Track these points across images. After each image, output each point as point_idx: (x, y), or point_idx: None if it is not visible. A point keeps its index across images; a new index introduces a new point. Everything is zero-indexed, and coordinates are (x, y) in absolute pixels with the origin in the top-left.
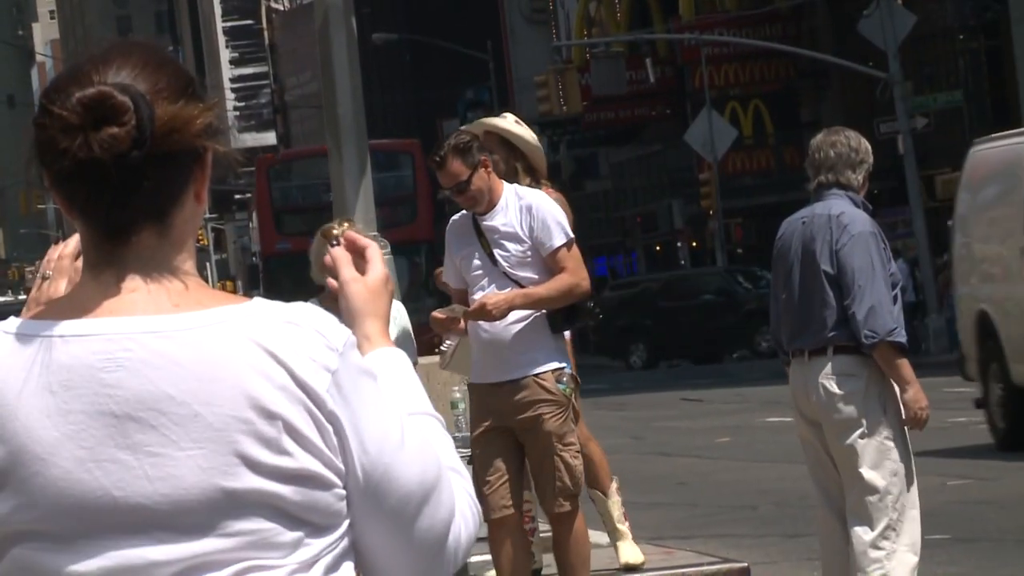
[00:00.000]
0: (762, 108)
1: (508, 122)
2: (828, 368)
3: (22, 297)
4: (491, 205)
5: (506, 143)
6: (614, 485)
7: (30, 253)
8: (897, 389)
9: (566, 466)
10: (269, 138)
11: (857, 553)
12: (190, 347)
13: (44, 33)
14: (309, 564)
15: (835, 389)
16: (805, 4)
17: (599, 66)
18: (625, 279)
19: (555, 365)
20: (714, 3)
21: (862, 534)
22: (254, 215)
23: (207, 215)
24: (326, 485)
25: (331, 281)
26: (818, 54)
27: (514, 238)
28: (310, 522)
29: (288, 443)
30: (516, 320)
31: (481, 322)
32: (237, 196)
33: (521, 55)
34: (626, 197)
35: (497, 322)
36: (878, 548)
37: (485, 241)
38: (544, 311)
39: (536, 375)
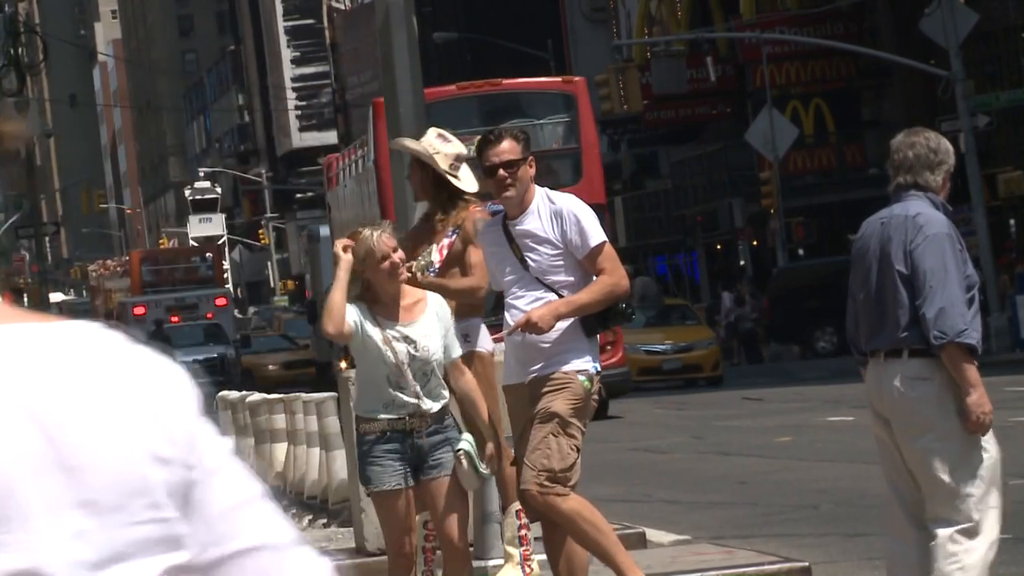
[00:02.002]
0: (823, 107)
1: (425, 140)
2: (902, 371)
3: (86, 297)
4: (522, 209)
5: (419, 160)
6: (514, 507)
7: (92, 252)
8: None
9: (559, 449)
10: (330, 137)
11: (937, 547)
12: None
13: (106, 33)
14: None
15: (908, 392)
16: (866, 2)
17: (660, 65)
18: (814, 260)
19: (582, 365)
20: (775, 1)
21: (942, 533)
22: (356, 180)
23: (268, 214)
24: None
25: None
26: (879, 52)
27: (545, 242)
28: None
29: None
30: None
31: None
32: (298, 195)
33: (582, 54)
34: (686, 196)
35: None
36: (956, 543)
37: (516, 246)
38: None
39: (563, 371)
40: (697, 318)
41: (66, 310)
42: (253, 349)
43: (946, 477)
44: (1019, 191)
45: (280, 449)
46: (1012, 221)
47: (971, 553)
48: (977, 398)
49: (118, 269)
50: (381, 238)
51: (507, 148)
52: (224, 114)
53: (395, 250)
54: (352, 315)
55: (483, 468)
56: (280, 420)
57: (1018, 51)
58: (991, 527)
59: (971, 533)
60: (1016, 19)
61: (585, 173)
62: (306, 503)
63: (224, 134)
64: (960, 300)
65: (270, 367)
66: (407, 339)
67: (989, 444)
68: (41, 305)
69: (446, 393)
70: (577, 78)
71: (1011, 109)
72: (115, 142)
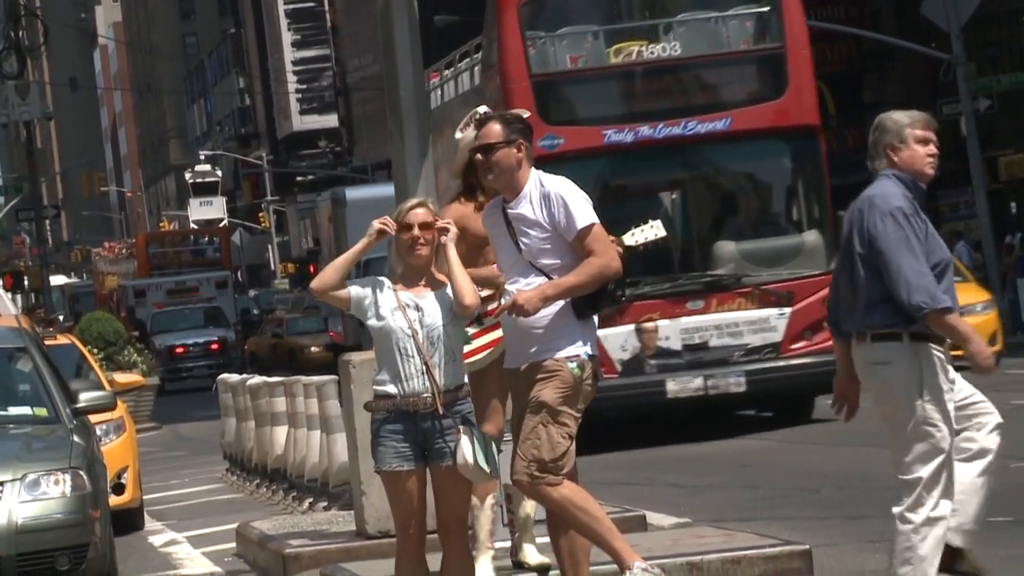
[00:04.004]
0: (824, 90)
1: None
2: (866, 355)
3: (88, 280)
4: (515, 192)
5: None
6: (490, 500)
7: (92, 235)
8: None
9: (549, 439)
10: (331, 120)
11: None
12: None
13: (106, 16)
14: None
15: (872, 377)
16: None
17: None
18: None
19: (572, 351)
20: None
21: (895, 511)
22: (461, 102)
23: (269, 198)
24: None
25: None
26: (881, 35)
27: (535, 226)
28: None
29: None
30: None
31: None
32: (299, 178)
33: None
34: None
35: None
36: (903, 522)
37: (512, 230)
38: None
39: (554, 359)
40: (964, 273)
41: (68, 293)
42: (302, 330)
43: (904, 455)
44: (1020, 174)
45: (280, 432)
46: (1013, 204)
47: (918, 532)
48: (976, 347)
49: (123, 251)
50: (413, 211)
51: (487, 132)
52: (225, 97)
53: (422, 226)
54: (360, 286)
55: (484, 464)
56: (280, 403)
57: (1020, 34)
58: (938, 505)
59: (917, 512)
60: (1018, 2)
61: (792, 83)
62: (307, 486)
63: (225, 117)
64: (919, 268)
65: (312, 349)
66: (417, 307)
67: (942, 424)
68: (42, 288)
69: (460, 376)
70: None
71: (1012, 92)
72: (115, 125)
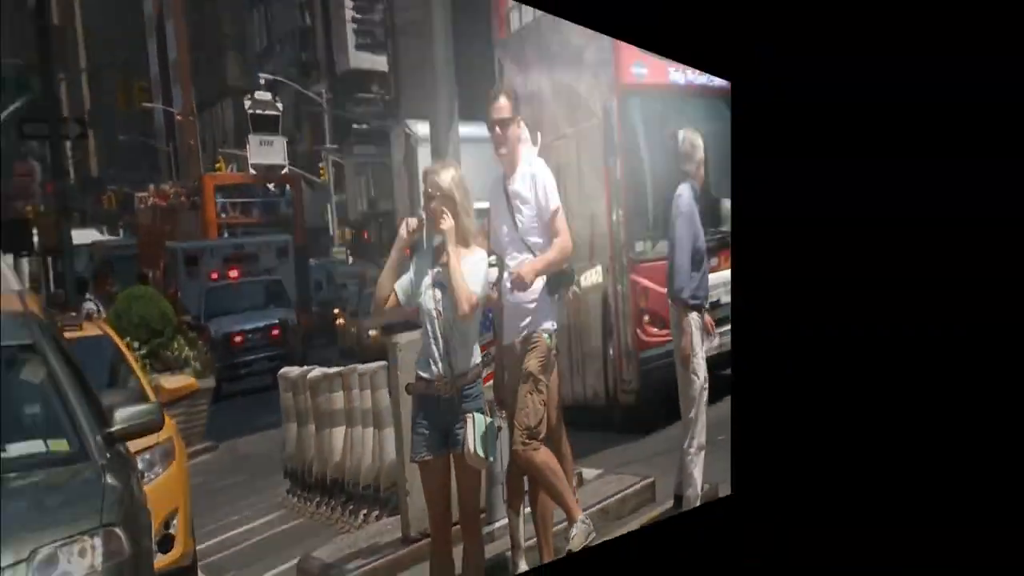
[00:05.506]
0: None
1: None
2: None
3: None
4: (514, 168)
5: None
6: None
7: (130, 171)
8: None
9: (533, 406)
10: (382, 63)
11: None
12: None
13: None
14: None
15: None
16: None
17: None
18: None
19: (548, 325)
20: None
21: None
22: None
23: (327, 145)
24: None
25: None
26: None
27: (527, 203)
28: None
29: None
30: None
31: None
32: (355, 125)
33: None
34: None
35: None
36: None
37: (511, 205)
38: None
39: (536, 332)
40: None
41: (99, 257)
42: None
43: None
44: None
45: (339, 434)
46: None
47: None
48: (684, 342)
49: (183, 200)
50: (430, 177)
51: (500, 107)
52: (285, 10)
53: (433, 198)
54: (404, 279)
55: (479, 450)
56: (339, 399)
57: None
58: (699, 436)
59: (690, 442)
60: None
61: None
62: (362, 495)
63: (285, 35)
64: (686, 266)
65: (370, 333)
66: (441, 285)
67: (699, 374)
68: (60, 247)
69: (470, 361)
70: None
71: None
72: (162, 16)
